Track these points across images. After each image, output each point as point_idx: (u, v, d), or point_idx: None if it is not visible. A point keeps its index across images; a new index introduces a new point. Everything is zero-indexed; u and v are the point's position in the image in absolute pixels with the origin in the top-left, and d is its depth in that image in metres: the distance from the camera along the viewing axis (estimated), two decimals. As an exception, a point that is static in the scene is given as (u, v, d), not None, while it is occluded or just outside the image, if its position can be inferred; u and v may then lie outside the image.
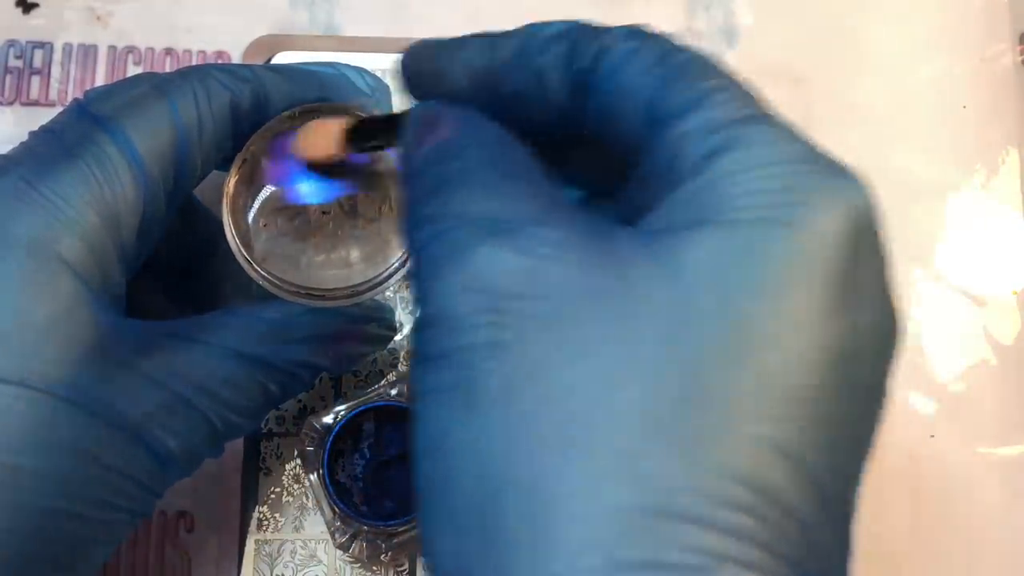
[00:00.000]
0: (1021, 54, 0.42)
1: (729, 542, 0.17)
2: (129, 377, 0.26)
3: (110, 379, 0.26)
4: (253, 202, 0.29)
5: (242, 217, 0.29)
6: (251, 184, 0.29)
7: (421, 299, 0.20)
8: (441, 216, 0.20)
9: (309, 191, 0.29)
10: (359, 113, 0.28)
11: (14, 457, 0.25)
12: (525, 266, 0.19)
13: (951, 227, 0.41)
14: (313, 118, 0.29)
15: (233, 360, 0.28)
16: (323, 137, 0.27)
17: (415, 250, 0.21)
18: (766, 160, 0.19)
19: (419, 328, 0.20)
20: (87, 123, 0.28)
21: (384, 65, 0.41)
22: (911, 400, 0.39)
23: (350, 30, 0.41)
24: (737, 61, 0.42)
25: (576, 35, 0.22)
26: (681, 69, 0.21)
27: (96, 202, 0.27)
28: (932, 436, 0.39)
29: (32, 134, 0.29)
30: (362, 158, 0.29)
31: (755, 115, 0.20)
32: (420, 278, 0.20)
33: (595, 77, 0.22)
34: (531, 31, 0.23)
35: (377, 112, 0.27)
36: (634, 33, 0.22)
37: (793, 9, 0.42)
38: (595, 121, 0.22)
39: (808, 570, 0.17)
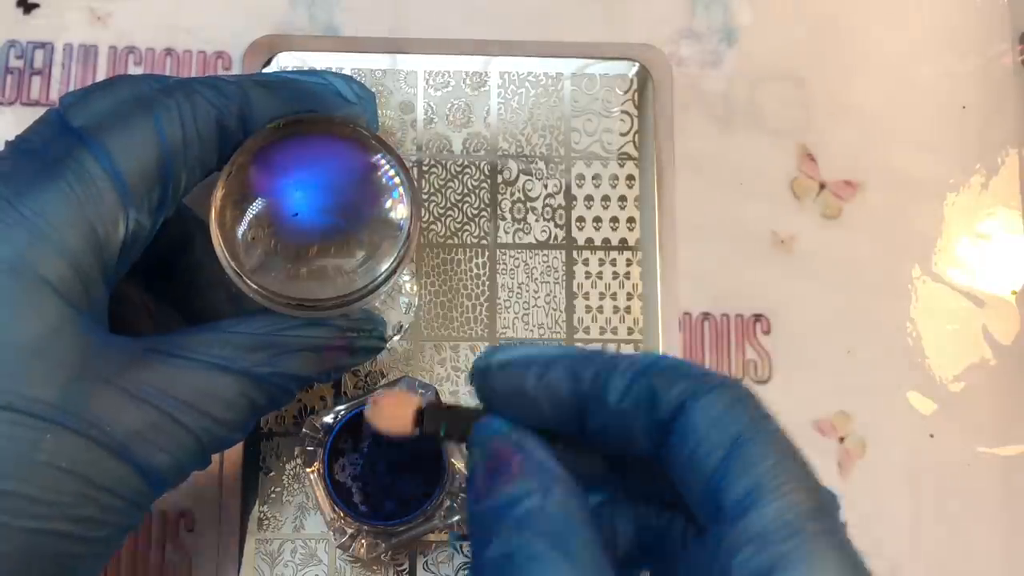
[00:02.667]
0: (1021, 54, 0.42)
1: None
2: (114, 395, 0.26)
3: (96, 398, 0.26)
4: (241, 215, 0.29)
5: (230, 230, 0.29)
6: (238, 197, 0.29)
7: None
8: None
9: (297, 203, 0.29)
10: (433, 400, 0.27)
11: (1, 481, 0.25)
12: None
13: (951, 227, 0.41)
14: (298, 129, 0.29)
15: (219, 375, 0.28)
16: (398, 416, 0.26)
17: None
18: None
19: None
20: (70, 139, 0.27)
21: (383, 65, 0.41)
22: (911, 400, 0.39)
23: (350, 30, 0.41)
24: (736, 61, 0.42)
25: (657, 380, 0.23)
26: (748, 452, 0.21)
27: (79, 222, 0.26)
28: (932, 436, 0.39)
29: (9, 146, 0.28)
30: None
31: (804, 526, 0.21)
32: None
33: (673, 435, 0.22)
34: (612, 362, 0.23)
35: (447, 404, 0.27)
36: (717, 389, 0.22)
37: (793, 9, 0.42)
38: (673, 474, 0.23)
39: None
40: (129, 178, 0.27)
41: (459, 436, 0.25)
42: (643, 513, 0.25)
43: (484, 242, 0.39)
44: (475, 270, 0.39)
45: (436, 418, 0.26)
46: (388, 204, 0.30)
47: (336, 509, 0.34)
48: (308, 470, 0.35)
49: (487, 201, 0.40)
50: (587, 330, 0.39)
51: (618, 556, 0.25)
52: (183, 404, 0.27)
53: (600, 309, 0.39)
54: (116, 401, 0.26)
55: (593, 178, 0.40)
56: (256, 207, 0.29)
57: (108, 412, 0.26)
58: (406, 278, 0.38)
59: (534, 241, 0.40)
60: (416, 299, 0.38)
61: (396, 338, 0.38)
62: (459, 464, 0.35)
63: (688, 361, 0.24)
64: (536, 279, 0.39)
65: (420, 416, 0.26)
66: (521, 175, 0.40)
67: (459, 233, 0.39)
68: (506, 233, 0.40)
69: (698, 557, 0.23)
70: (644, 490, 0.25)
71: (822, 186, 0.41)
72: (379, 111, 0.38)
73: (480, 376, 0.25)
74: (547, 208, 0.40)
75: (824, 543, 0.20)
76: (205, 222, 0.29)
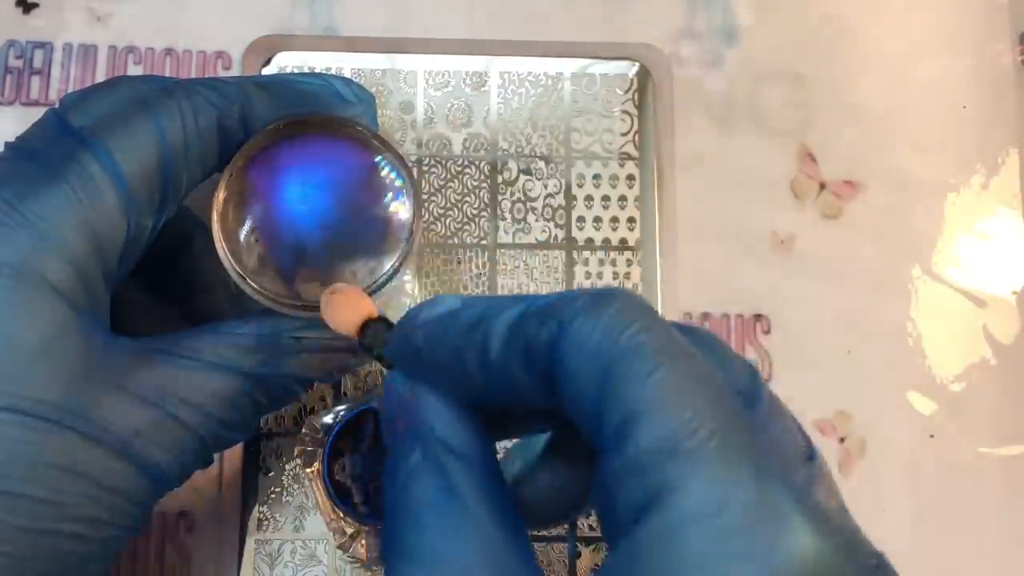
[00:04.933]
0: (1021, 54, 0.42)
1: None
2: (118, 396, 0.26)
3: (99, 399, 0.26)
4: (242, 216, 0.29)
5: (232, 231, 0.29)
6: (240, 198, 0.29)
7: None
8: None
9: (298, 203, 0.29)
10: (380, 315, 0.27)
11: (7, 483, 0.25)
12: None
13: (951, 227, 0.41)
14: (299, 130, 0.29)
15: (222, 376, 0.28)
16: (347, 318, 0.27)
17: None
18: (697, 522, 0.18)
19: None
20: (71, 140, 0.27)
21: (383, 65, 0.41)
22: (911, 400, 0.39)
23: (350, 30, 0.41)
24: (737, 61, 0.42)
25: (529, 326, 0.21)
26: (620, 374, 0.20)
27: (81, 224, 0.26)
28: (932, 436, 0.39)
29: (10, 147, 0.28)
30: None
31: (684, 447, 0.19)
32: None
33: (555, 379, 0.21)
34: (491, 319, 0.22)
35: (388, 323, 0.26)
36: (584, 314, 0.21)
37: (793, 9, 0.42)
38: (570, 417, 0.21)
39: None
40: (131, 179, 0.27)
41: (384, 365, 0.26)
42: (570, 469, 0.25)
43: (484, 242, 0.39)
44: (475, 270, 0.39)
45: (375, 340, 0.26)
46: (390, 204, 0.30)
47: (336, 509, 0.34)
48: (308, 470, 0.35)
49: (487, 201, 0.40)
50: (587, 330, 0.39)
51: (569, 500, 0.25)
52: (186, 404, 0.27)
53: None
54: (119, 401, 0.26)
55: (593, 178, 0.40)
56: (258, 208, 0.29)
57: (111, 412, 0.26)
58: (407, 278, 0.38)
59: (534, 241, 0.40)
60: (417, 299, 0.38)
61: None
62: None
63: (569, 292, 0.22)
64: (536, 279, 0.39)
65: (364, 327, 0.26)
66: (521, 175, 0.40)
67: (459, 233, 0.39)
68: (506, 233, 0.40)
69: (600, 501, 0.21)
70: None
71: (822, 186, 0.41)
72: (379, 111, 0.38)
73: (400, 344, 0.25)
74: (547, 208, 0.40)
75: (711, 458, 0.18)
76: (205, 222, 0.29)
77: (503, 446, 0.30)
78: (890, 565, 0.20)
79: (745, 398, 0.22)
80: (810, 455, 0.22)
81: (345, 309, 0.27)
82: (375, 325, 0.26)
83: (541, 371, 0.21)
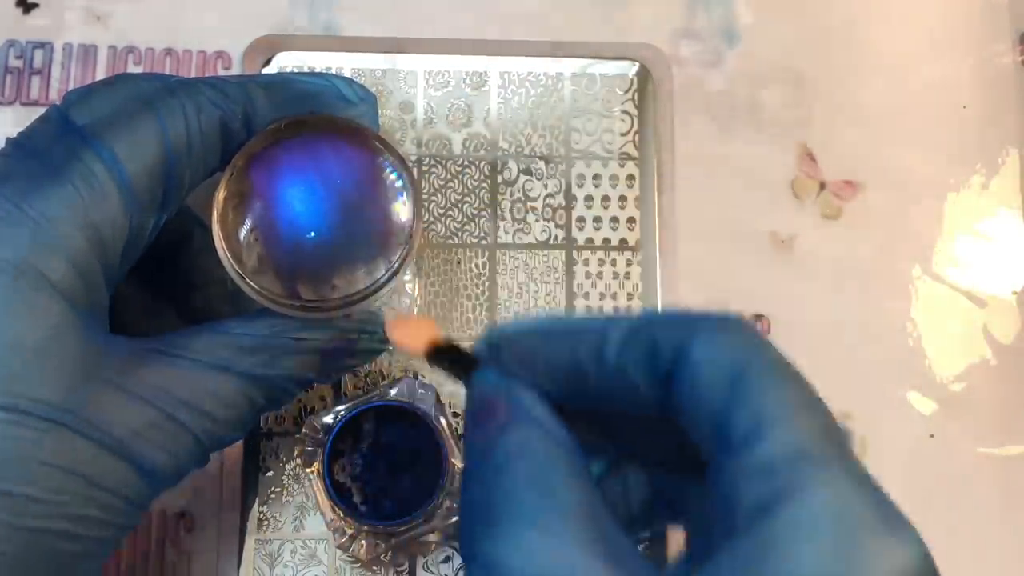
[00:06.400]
0: (1021, 54, 0.42)
1: None
2: (116, 396, 0.26)
3: (98, 399, 0.26)
4: (243, 216, 0.29)
5: (232, 231, 0.29)
6: (240, 198, 0.29)
7: None
8: (492, 565, 0.20)
9: (299, 203, 0.29)
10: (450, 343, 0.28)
11: (3, 481, 0.25)
12: None
13: (951, 227, 0.41)
14: (300, 130, 0.29)
15: (220, 376, 0.28)
16: (414, 337, 0.27)
17: None
18: (821, 521, 0.19)
19: None
20: (73, 138, 0.27)
21: (383, 65, 0.41)
22: (911, 400, 0.39)
23: (350, 30, 0.41)
24: (737, 61, 0.42)
25: (655, 330, 0.22)
26: (750, 384, 0.21)
27: (83, 224, 0.26)
28: (932, 436, 0.39)
29: (12, 144, 0.28)
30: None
31: (814, 455, 0.20)
32: None
33: (675, 382, 0.22)
34: (610, 325, 0.23)
35: (458, 345, 0.27)
36: (714, 328, 0.22)
37: (793, 9, 0.42)
38: (682, 421, 0.22)
39: None
40: (133, 178, 0.27)
41: (460, 378, 0.26)
42: (655, 475, 0.25)
43: (484, 242, 0.39)
44: (475, 270, 0.39)
45: (444, 355, 0.26)
46: (390, 205, 0.30)
47: (336, 509, 0.34)
48: (308, 470, 0.35)
49: (487, 201, 0.40)
50: (587, 330, 0.39)
51: (631, 515, 0.25)
52: (183, 404, 0.27)
53: (600, 309, 0.39)
54: (117, 401, 0.26)
55: (593, 178, 0.40)
56: (258, 208, 0.29)
57: (109, 412, 0.26)
58: (407, 278, 0.38)
59: (534, 241, 0.40)
60: (417, 299, 0.38)
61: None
62: (459, 464, 0.35)
63: (685, 309, 0.23)
64: (536, 279, 0.39)
65: (432, 347, 0.26)
66: (521, 175, 0.40)
67: (459, 233, 0.39)
68: (506, 233, 0.40)
69: (708, 504, 0.22)
70: (657, 454, 0.25)
71: (822, 186, 0.41)
72: (379, 111, 0.38)
73: (486, 351, 0.25)
74: (547, 208, 0.40)
75: (834, 469, 0.20)
76: (204, 220, 0.29)
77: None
78: None
79: None
80: None
81: (413, 329, 0.27)
82: (441, 348, 0.26)
83: (660, 374, 0.22)
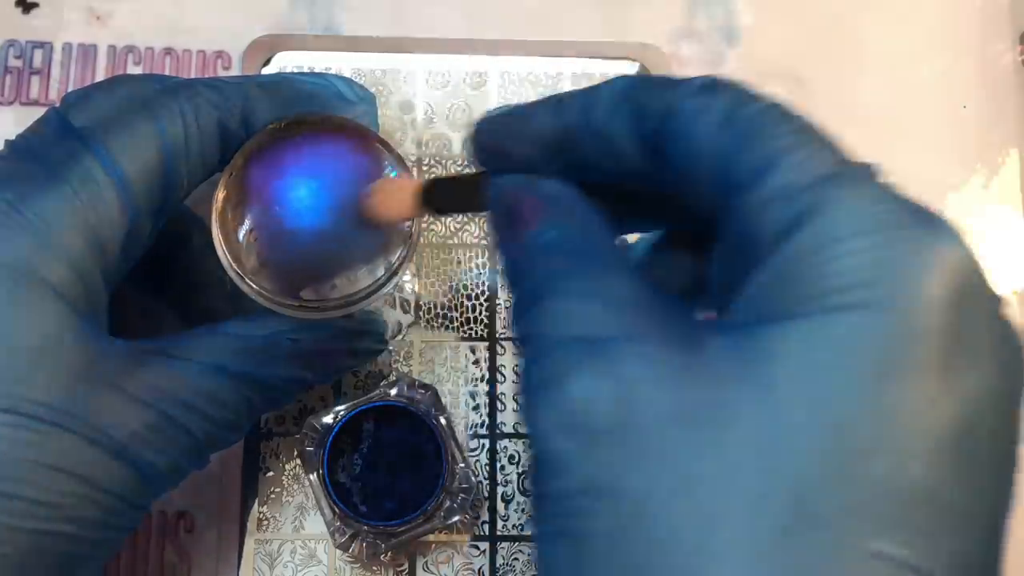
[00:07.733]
0: (1021, 54, 0.42)
1: None
2: (115, 398, 0.26)
3: (97, 401, 0.26)
4: (242, 216, 0.29)
5: (231, 231, 0.29)
6: (240, 198, 0.29)
7: (528, 427, 0.20)
8: (539, 336, 0.20)
9: (298, 203, 0.29)
10: (434, 176, 0.27)
11: (3, 483, 0.25)
12: (619, 394, 0.18)
13: (951, 227, 0.41)
14: (299, 129, 0.29)
15: (219, 377, 0.28)
16: (397, 197, 0.27)
17: (523, 368, 0.21)
18: (851, 229, 0.18)
19: (529, 464, 0.20)
20: (72, 140, 0.27)
21: (383, 65, 0.41)
22: (911, 400, 0.39)
23: (350, 30, 0.41)
24: (737, 61, 0.42)
25: (640, 93, 0.22)
26: (752, 125, 0.20)
27: (82, 226, 0.26)
28: (932, 436, 0.39)
29: (10, 146, 0.28)
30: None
31: (835, 173, 0.19)
32: (525, 405, 0.20)
33: (664, 140, 0.21)
34: (593, 91, 0.23)
35: (447, 174, 0.26)
36: (703, 87, 0.21)
37: (793, 9, 0.42)
38: (674, 183, 0.22)
39: None
40: (131, 180, 0.27)
41: (467, 204, 0.25)
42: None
43: (484, 242, 0.39)
44: (475, 270, 0.39)
45: (442, 191, 0.25)
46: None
47: (336, 509, 0.34)
48: (308, 470, 0.35)
49: (487, 201, 0.40)
50: (587, 330, 0.39)
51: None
52: (182, 405, 0.27)
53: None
54: (116, 403, 0.26)
55: (593, 178, 0.40)
56: (257, 208, 0.29)
57: (108, 414, 0.26)
58: (407, 278, 0.38)
59: (534, 241, 0.39)
60: (417, 299, 0.38)
61: (396, 338, 0.38)
62: (459, 464, 0.35)
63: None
64: (536, 279, 0.39)
65: (422, 196, 0.25)
66: (521, 175, 0.40)
67: (459, 233, 0.39)
68: (506, 233, 0.39)
69: (725, 254, 0.21)
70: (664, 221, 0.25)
71: (822, 186, 0.41)
72: (379, 111, 0.38)
73: (474, 139, 0.25)
74: (547, 208, 0.40)
75: (862, 186, 0.19)
76: (203, 221, 0.29)
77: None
78: None
79: None
80: None
81: (392, 193, 0.26)
82: (436, 186, 0.25)
83: (647, 133, 0.21)
